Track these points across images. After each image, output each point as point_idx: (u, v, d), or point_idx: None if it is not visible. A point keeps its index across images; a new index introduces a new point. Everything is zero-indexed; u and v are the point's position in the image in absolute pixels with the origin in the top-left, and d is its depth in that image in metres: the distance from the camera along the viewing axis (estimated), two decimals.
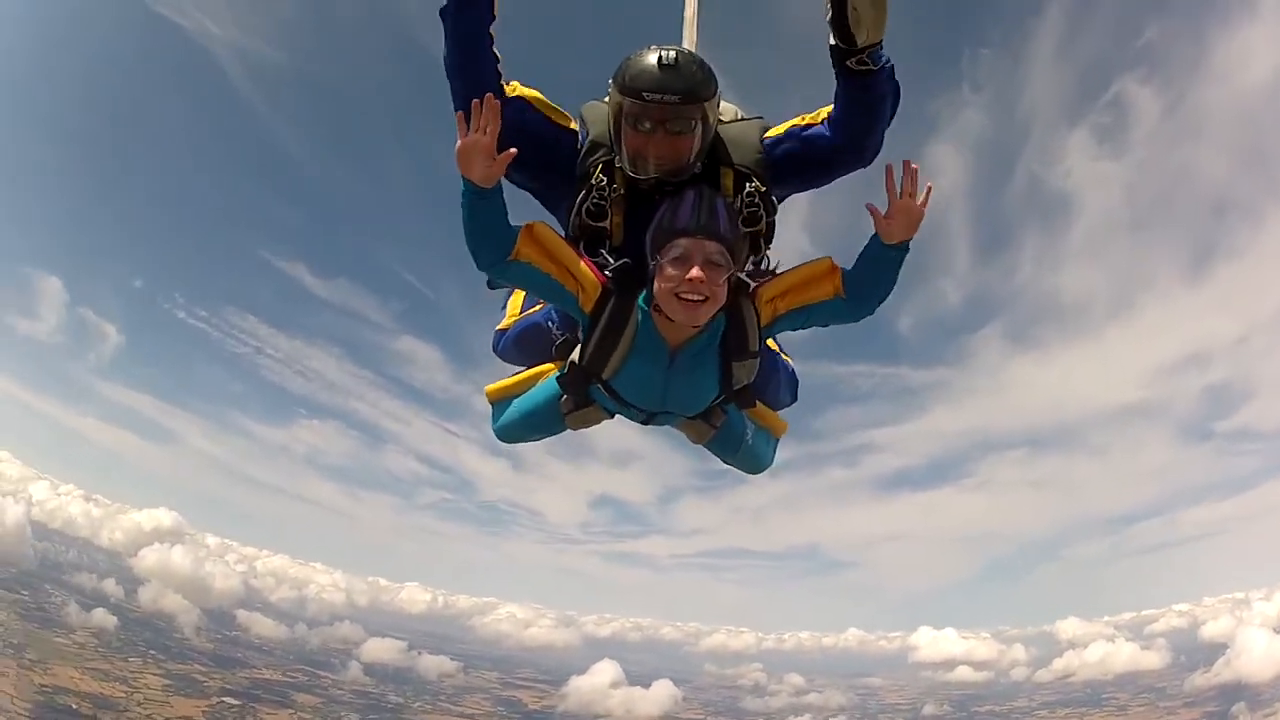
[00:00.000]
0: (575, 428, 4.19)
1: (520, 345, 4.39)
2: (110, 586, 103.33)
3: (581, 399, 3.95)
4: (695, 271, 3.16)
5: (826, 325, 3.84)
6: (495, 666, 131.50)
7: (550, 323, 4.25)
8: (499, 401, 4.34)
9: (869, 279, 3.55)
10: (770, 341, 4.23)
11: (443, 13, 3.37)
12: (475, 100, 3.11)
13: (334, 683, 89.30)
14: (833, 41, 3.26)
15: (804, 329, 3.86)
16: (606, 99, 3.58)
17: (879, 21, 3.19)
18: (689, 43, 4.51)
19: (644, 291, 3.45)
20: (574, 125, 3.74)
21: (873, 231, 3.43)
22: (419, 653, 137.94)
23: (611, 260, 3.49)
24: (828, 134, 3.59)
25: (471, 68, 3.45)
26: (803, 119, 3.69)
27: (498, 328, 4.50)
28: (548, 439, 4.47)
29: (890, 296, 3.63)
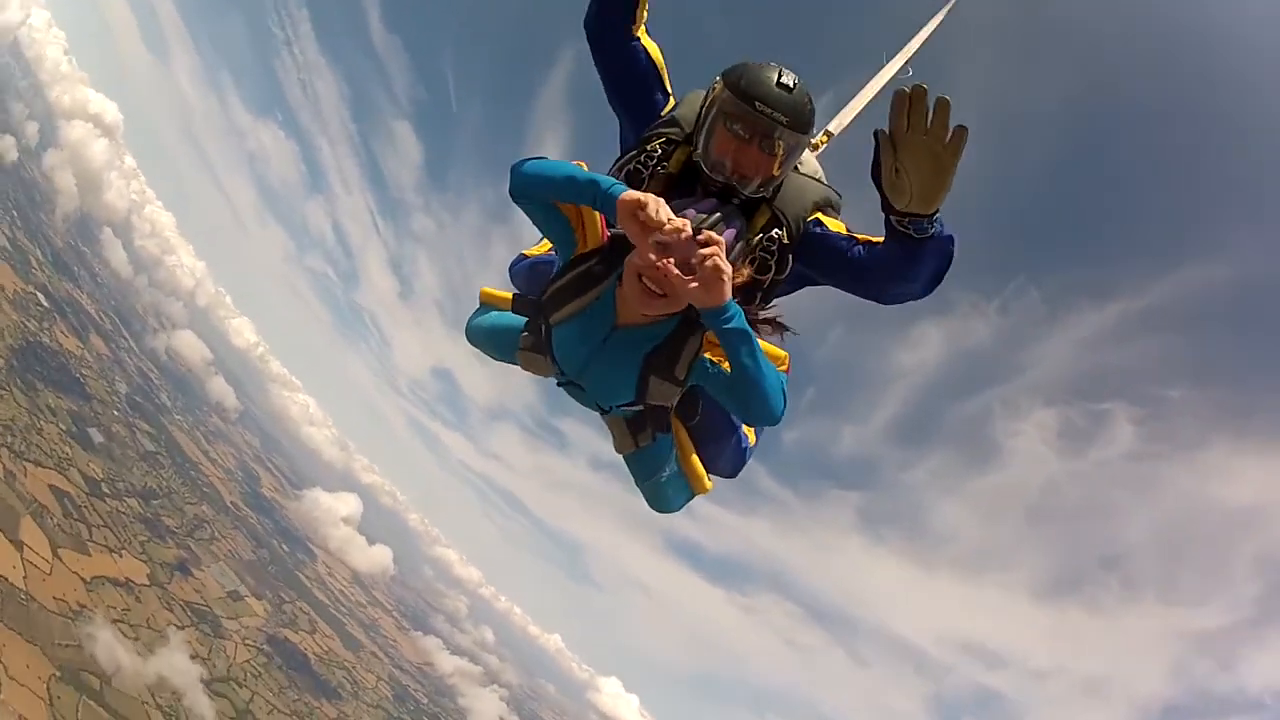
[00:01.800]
0: (522, 366, 4.13)
1: (532, 275, 4.48)
2: (30, 130, 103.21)
3: (538, 339, 3.83)
4: (669, 265, 3.01)
5: (733, 411, 3.88)
6: (262, 438, 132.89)
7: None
8: (484, 305, 4.50)
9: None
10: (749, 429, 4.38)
11: None
12: None
13: (128, 349, 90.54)
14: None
15: (714, 396, 3.61)
16: (707, 93, 3.68)
17: (931, 195, 3.17)
18: (840, 126, 4.84)
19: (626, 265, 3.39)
20: (669, 89, 4.01)
21: None
22: (217, 372, 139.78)
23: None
24: (866, 259, 3.62)
25: (612, 8, 3.83)
26: (859, 236, 3.71)
27: (523, 251, 4.66)
28: (498, 362, 4.51)
29: (788, 415, 3.47)
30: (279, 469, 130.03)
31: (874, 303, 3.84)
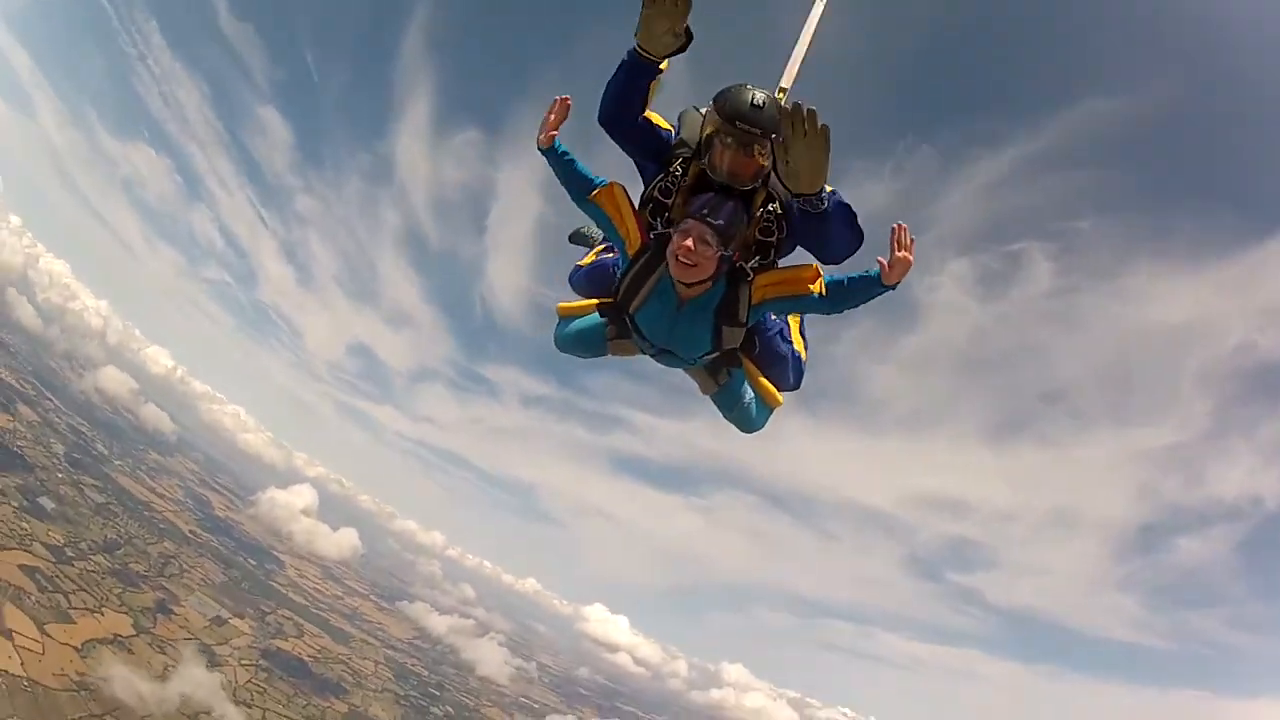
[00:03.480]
0: (614, 354, 5.44)
1: (589, 280, 5.75)
2: None
3: (621, 329, 5.23)
4: (687, 242, 4.42)
5: (805, 312, 5.30)
6: (202, 460, 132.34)
7: (615, 268, 5.31)
8: (564, 318, 5.64)
9: (854, 296, 4.75)
10: (796, 337, 5.61)
11: (621, 65, 4.67)
12: (557, 98, 4.79)
13: (55, 409, 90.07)
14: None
15: (789, 313, 5.28)
16: (703, 111, 4.89)
17: (812, 178, 4.32)
18: (790, 79, 5.48)
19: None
20: (669, 127, 5.03)
21: (869, 268, 4.67)
22: (146, 400, 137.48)
23: (660, 228, 4.84)
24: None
25: (623, 104, 4.83)
26: None
27: (578, 263, 5.98)
28: (594, 359, 5.66)
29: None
30: (226, 486, 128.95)
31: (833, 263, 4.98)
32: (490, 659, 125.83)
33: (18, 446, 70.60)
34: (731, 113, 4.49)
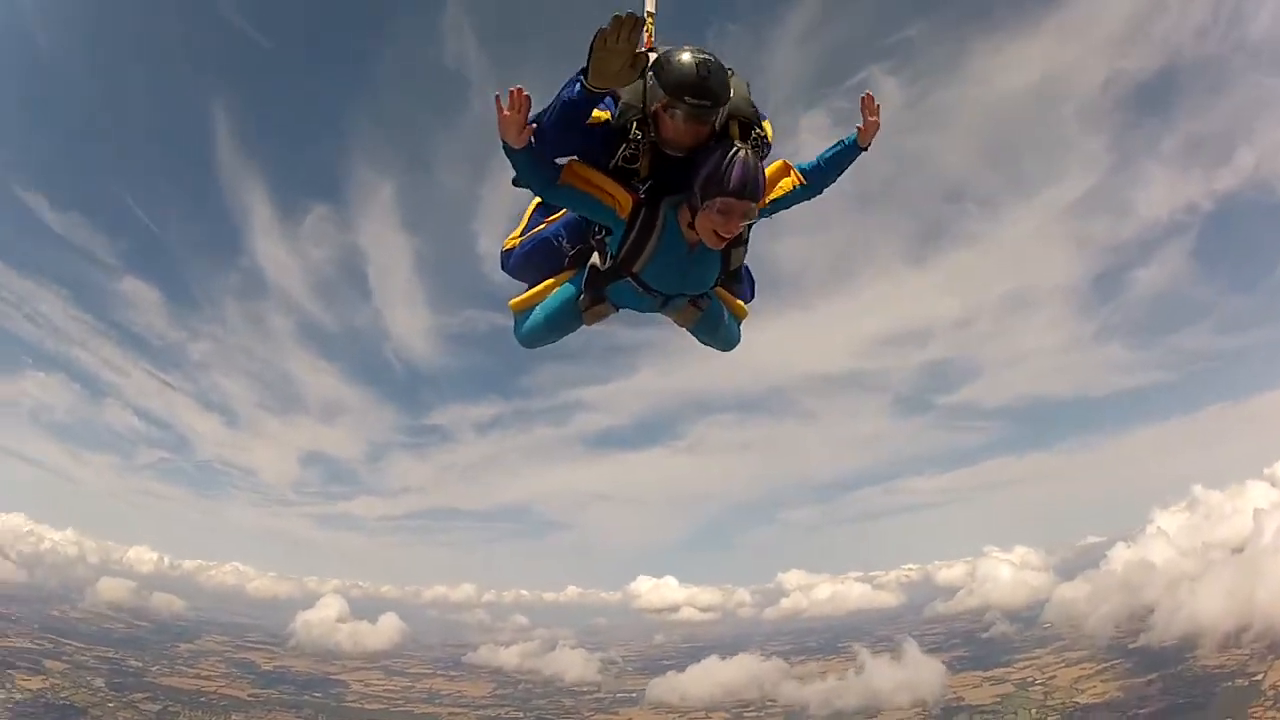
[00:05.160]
0: (590, 323, 5.22)
1: (530, 260, 5.28)
2: None
3: (597, 297, 5.03)
4: (737, 226, 4.37)
5: (791, 206, 5.07)
6: (224, 631, 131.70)
7: (559, 239, 5.18)
8: (522, 311, 5.31)
9: (832, 172, 5.02)
10: None
11: (569, 103, 4.28)
12: (511, 90, 4.18)
13: (77, 649, 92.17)
14: None
15: (773, 214, 5.03)
16: (644, 86, 4.38)
17: (625, 76, 4.14)
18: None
19: (668, 201, 4.55)
20: (605, 116, 4.52)
21: (842, 139, 4.94)
22: (150, 592, 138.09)
23: (640, 186, 4.56)
24: None
25: (574, 132, 4.44)
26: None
27: (504, 247, 5.36)
28: (562, 338, 5.37)
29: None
30: (259, 641, 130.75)
31: None
32: (572, 663, 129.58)
33: (62, 699, 72.78)
34: (677, 88, 4.24)
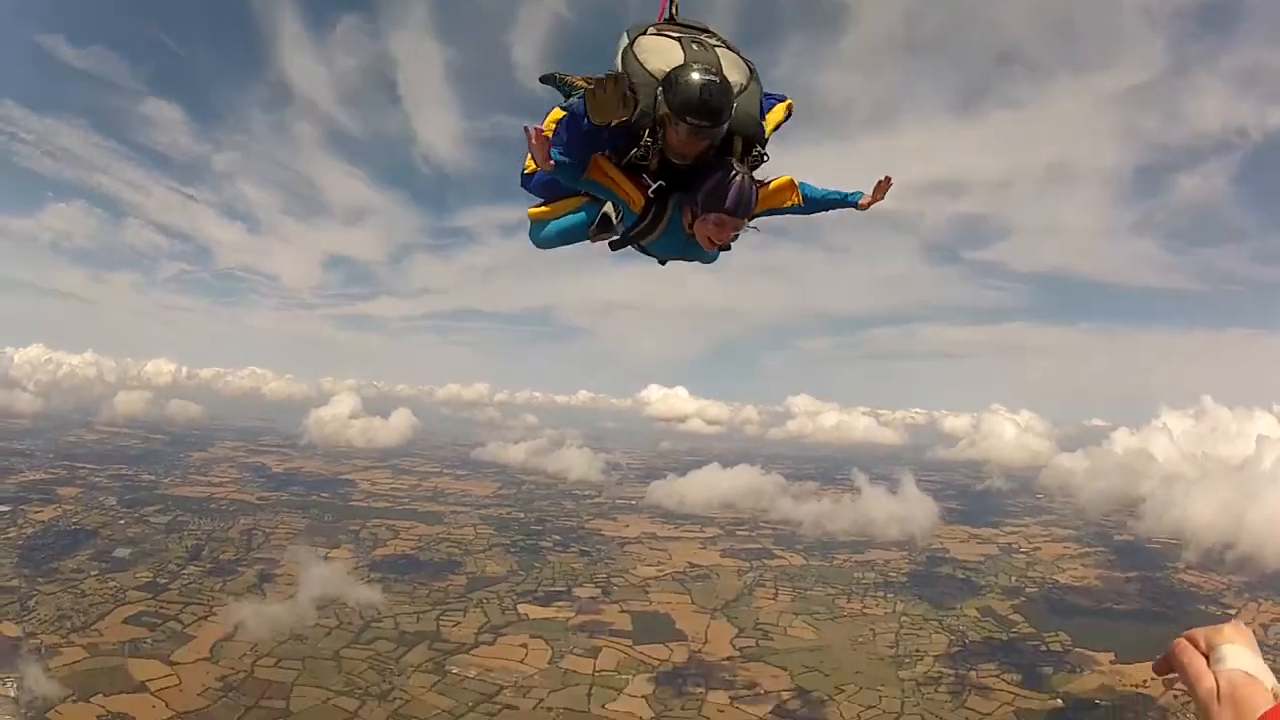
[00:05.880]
0: (593, 241, 6.26)
1: (549, 186, 6.08)
2: None
3: (609, 232, 6.02)
4: (727, 236, 5.22)
5: (783, 215, 5.90)
6: (238, 436, 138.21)
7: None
8: (537, 221, 6.45)
9: (822, 208, 5.98)
10: None
11: (578, 135, 5.11)
12: (531, 131, 5.04)
13: (90, 471, 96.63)
14: None
15: (768, 216, 5.74)
16: (655, 98, 4.88)
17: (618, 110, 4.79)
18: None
19: (675, 198, 5.29)
20: (623, 116, 4.90)
21: (849, 192, 5.97)
22: (167, 401, 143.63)
23: (650, 180, 5.29)
24: None
25: (566, 173, 5.29)
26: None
27: (526, 170, 6.17)
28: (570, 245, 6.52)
29: None
30: (272, 444, 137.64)
31: None
32: (576, 462, 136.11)
33: (73, 525, 77.55)
34: (683, 109, 4.78)
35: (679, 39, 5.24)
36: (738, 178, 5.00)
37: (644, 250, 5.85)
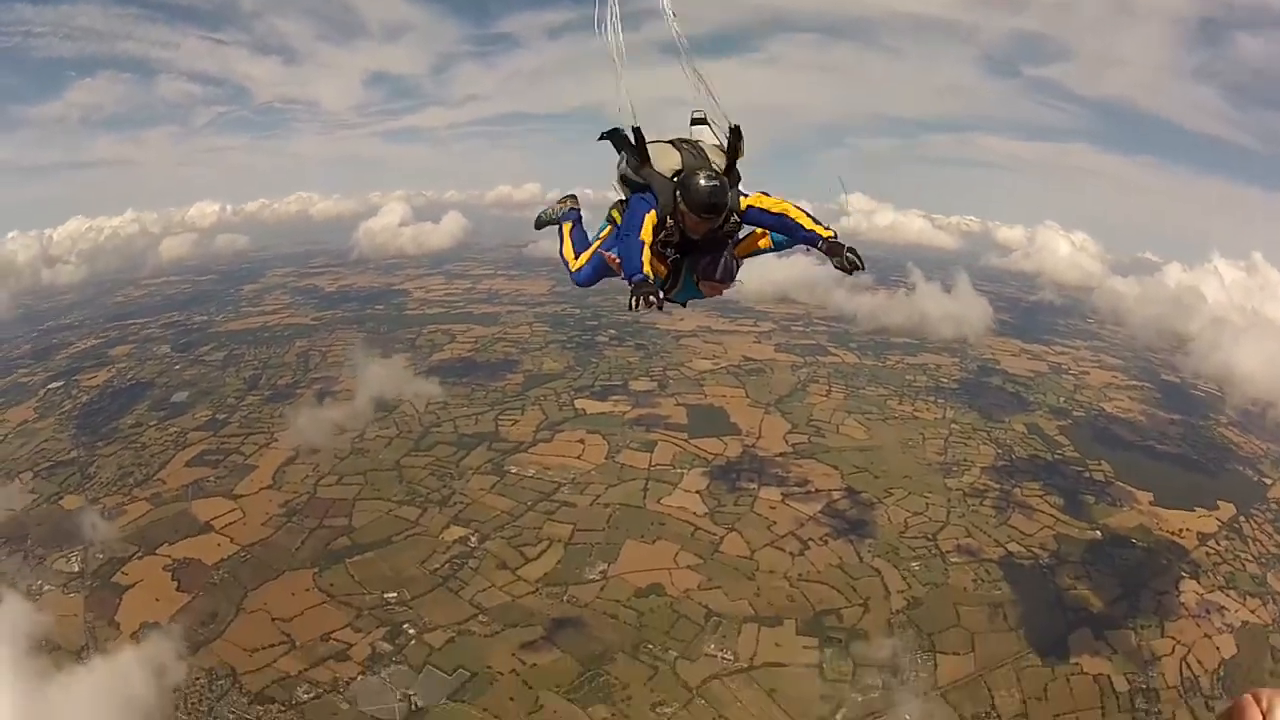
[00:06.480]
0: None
1: (596, 273, 8.01)
2: None
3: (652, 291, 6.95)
4: (723, 292, 7.40)
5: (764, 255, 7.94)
6: (288, 263, 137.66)
7: (622, 253, 7.12)
8: (578, 271, 8.31)
9: (792, 245, 7.57)
10: None
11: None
12: (606, 255, 7.43)
13: (139, 326, 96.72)
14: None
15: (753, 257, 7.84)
16: (674, 194, 6.90)
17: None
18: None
19: (688, 262, 7.24)
20: (654, 220, 6.95)
21: (817, 248, 7.04)
22: (213, 238, 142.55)
23: (672, 251, 7.19)
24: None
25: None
26: (760, 201, 7.21)
27: (572, 269, 8.45)
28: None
29: None
30: (323, 265, 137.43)
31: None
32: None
33: (129, 381, 77.86)
34: (695, 206, 6.79)
35: (672, 142, 7.41)
36: (724, 256, 7.24)
37: (670, 300, 7.43)
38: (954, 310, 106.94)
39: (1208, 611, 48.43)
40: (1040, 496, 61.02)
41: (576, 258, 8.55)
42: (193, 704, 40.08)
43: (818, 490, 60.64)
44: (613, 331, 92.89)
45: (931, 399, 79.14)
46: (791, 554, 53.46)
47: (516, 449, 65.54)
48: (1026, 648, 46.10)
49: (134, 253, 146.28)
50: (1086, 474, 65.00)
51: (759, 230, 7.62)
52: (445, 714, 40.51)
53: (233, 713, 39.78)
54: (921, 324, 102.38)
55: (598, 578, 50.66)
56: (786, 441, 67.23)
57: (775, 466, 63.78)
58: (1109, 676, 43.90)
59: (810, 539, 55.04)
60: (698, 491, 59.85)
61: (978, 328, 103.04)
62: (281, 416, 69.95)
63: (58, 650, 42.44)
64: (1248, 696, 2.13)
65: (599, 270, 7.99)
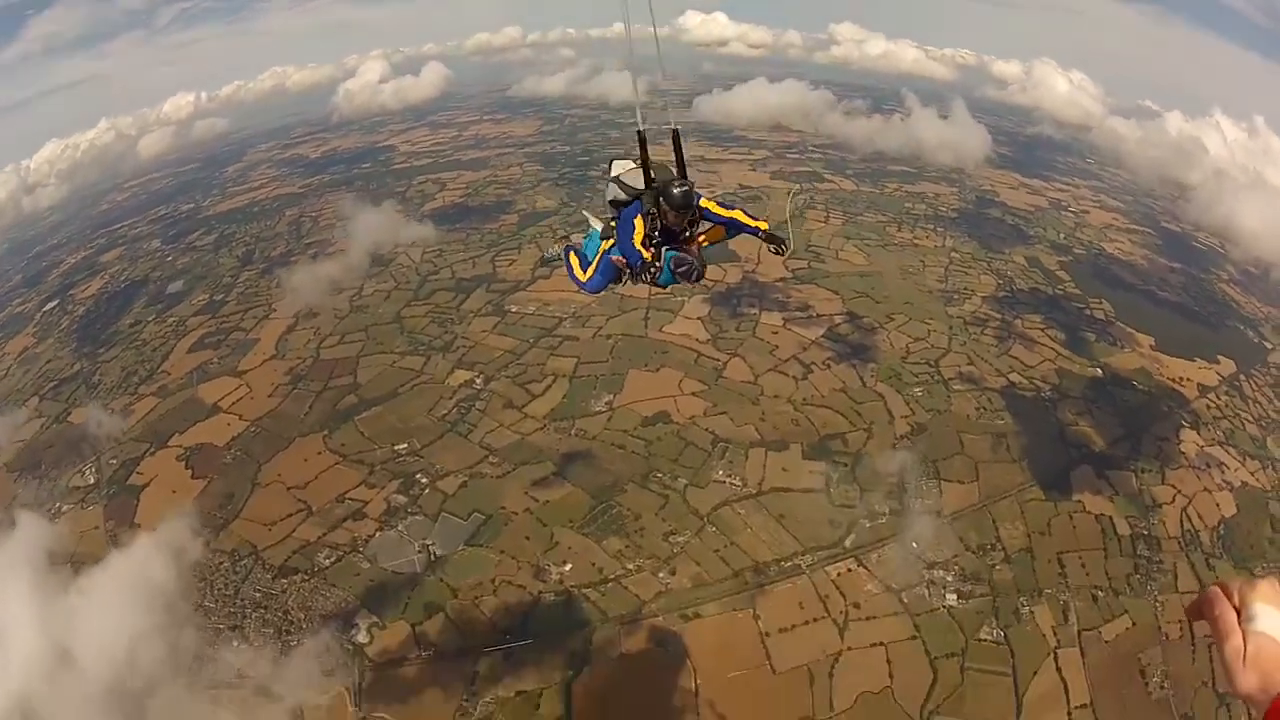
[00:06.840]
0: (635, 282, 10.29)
1: (605, 279, 10.60)
2: None
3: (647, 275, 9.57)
4: (691, 282, 9.49)
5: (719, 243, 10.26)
6: (269, 138, 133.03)
7: (623, 256, 9.84)
8: (589, 280, 10.70)
9: (738, 234, 9.96)
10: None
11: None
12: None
13: (131, 225, 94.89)
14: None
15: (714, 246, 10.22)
16: (657, 194, 9.41)
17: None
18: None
19: (667, 249, 9.40)
20: (644, 228, 9.43)
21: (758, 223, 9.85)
22: (191, 125, 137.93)
23: (656, 237, 9.39)
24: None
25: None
26: (713, 205, 9.73)
27: (580, 281, 10.91)
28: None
29: None
30: (308, 133, 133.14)
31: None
32: (615, 86, 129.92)
33: (123, 283, 75.41)
34: (674, 205, 9.23)
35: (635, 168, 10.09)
36: (690, 257, 9.37)
37: (654, 283, 9.58)
38: (951, 137, 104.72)
39: (1207, 465, 47.49)
40: (1041, 330, 60.21)
41: (584, 271, 10.89)
42: (219, 589, 40.18)
43: (819, 315, 59.95)
44: (604, 166, 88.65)
45: (930, 227, 78.22)
46: (795, 378, 53.05)
47: (515, 288, 64.47)
48: (1029, 480, 45.63)
49: (112, 159, 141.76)
50: (1087, 311, 63.90)
51: (715, 226, 9.85)
52: (463, 560, 40.54)
53: (258, 590, 39.84)
54: (919, 151, 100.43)
55: (604, 409, 50.19)
56: (786, 267, 65.45)
57: (776, 292, 62.88)
58: (1111, 518, 43.34)
59: (813, 363, 54.56)
60: (699, 318, 59.03)
61: (976, 157, 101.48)
62: (279, 286, 68.59)
63: (82, 565, 42.06)
64: (1215, 588, 2.15)
65: (607, 275, 10.52)
